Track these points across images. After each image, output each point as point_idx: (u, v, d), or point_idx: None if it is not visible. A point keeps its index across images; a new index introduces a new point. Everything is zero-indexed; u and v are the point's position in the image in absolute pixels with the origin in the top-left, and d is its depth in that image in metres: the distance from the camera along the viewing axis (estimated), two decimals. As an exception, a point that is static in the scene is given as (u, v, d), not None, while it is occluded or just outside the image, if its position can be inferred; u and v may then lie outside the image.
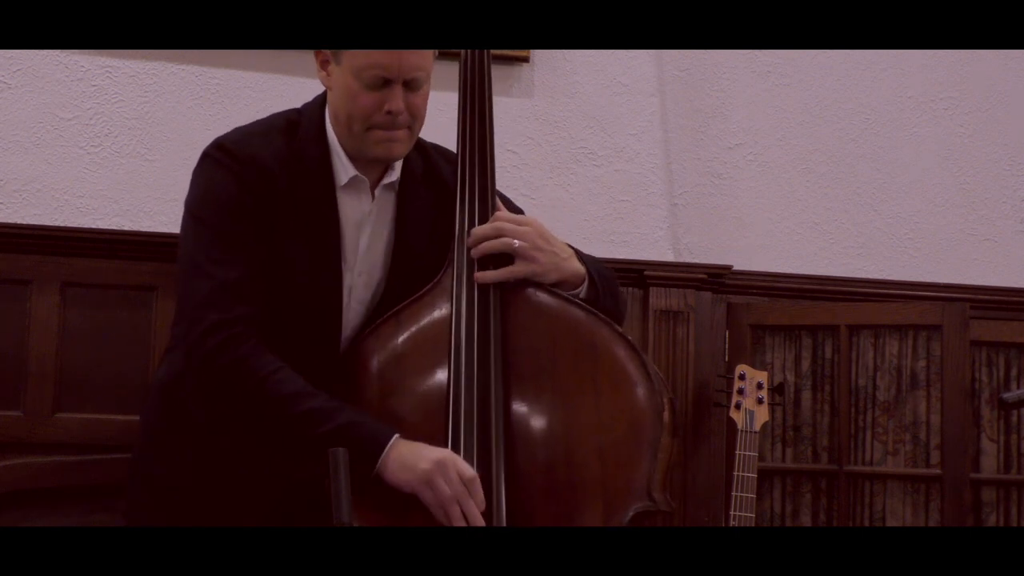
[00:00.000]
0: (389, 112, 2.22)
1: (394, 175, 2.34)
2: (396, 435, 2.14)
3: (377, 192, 2.33)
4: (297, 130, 2.31)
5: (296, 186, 2.26)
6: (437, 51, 2.27)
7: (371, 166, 2.32)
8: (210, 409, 2.26)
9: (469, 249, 2.30)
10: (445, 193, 2.36)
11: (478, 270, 2.28)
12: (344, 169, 2.30)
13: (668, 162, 3.53)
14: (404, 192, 2.36)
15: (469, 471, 2.13)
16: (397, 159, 2.32)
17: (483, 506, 2.13)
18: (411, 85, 2.23)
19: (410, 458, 2.12)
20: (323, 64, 2.28)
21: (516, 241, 2.27)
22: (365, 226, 2.33)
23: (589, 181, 3.45)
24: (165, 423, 2.36)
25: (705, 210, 3.59)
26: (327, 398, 2.17)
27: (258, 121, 2.37)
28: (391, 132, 2.24)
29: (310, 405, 2.15)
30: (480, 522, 2.12)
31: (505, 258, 2.29)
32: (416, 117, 2.27)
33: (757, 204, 3.62)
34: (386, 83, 2.21)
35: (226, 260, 2.21)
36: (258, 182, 2.24)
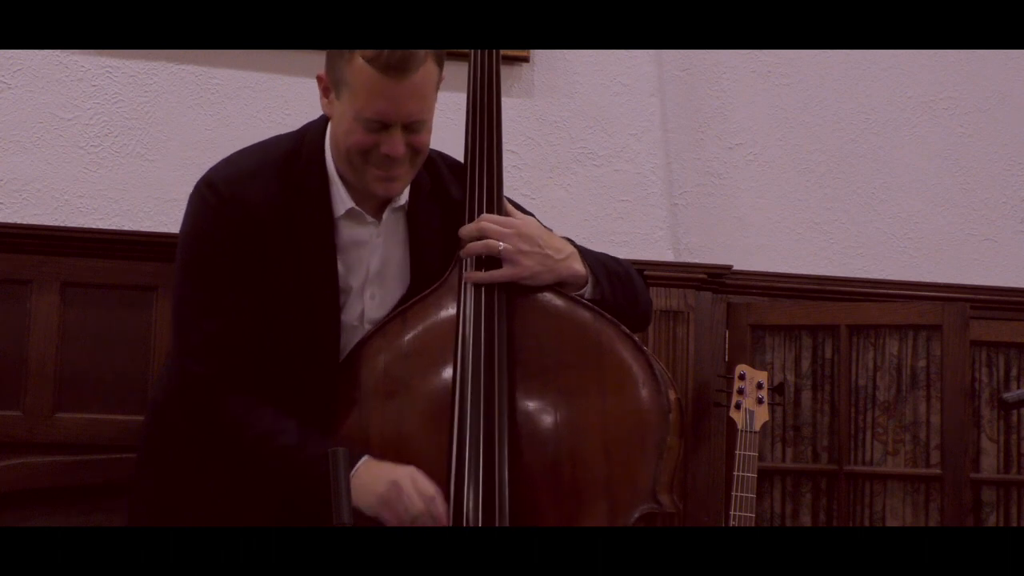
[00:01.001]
0: (387, 156, 2.19)
1: (402, 199, 2.32)
2: (364, 458, 2.16)
3: (386, 215, 2.31)
4: (296, 160, 2.28)
5: (291, 219, 2.24)
6: (439, 82, 2.23)
7: (372, 197, 2.30)
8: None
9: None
10: (453, 208, 2.34)
11: (472, 269, 2.27)
12: (341, 201, 2.27)
13: (668, 162, 3.53)
14: (414, 211, 2.34)
15: (428, 489, 2.14)
16: (396, 195, 2.29)
17: (446, 522, 2.14)
18: (412, 128, 2.20)
19: (369, 481, 2.13)
20: (324, 92, 2.24)
21: (501, 244, 2.26)
22: (375, 249, 2.31)
23: (589, 181, 3.45)
24: (168, 432, 2.37)
25: (705, 210, 3.59)
26: (292, 434, 2.19)
27: (256, 150, 2.32)
28: (390, 172, 2.22)
29: (280, 443, 2.18)
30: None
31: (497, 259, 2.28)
32: (419, 153, 2.24)
33: (757, 204, 3.62)
34: (384, 126, 2.18)
35: (210, 309, 2.23)
36: (244, 224, 2.22)
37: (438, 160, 2.39)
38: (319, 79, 2.24)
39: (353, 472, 2.12)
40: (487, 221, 2.28)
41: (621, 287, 2.37)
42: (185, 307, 2.27)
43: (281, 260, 2.24)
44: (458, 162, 2.38)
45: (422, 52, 2.15)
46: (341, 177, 2.27)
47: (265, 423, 2.20)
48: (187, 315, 2.26)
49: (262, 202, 2.23)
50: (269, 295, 2.24)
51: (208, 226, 2.24)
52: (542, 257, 2.27)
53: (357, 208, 2.28)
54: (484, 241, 2.26)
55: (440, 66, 2.21)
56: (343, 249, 2.29)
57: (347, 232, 2.29)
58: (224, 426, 2.22)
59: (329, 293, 2.27)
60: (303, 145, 2.29)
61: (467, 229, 2.28)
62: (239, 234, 2.22)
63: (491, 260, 2.27)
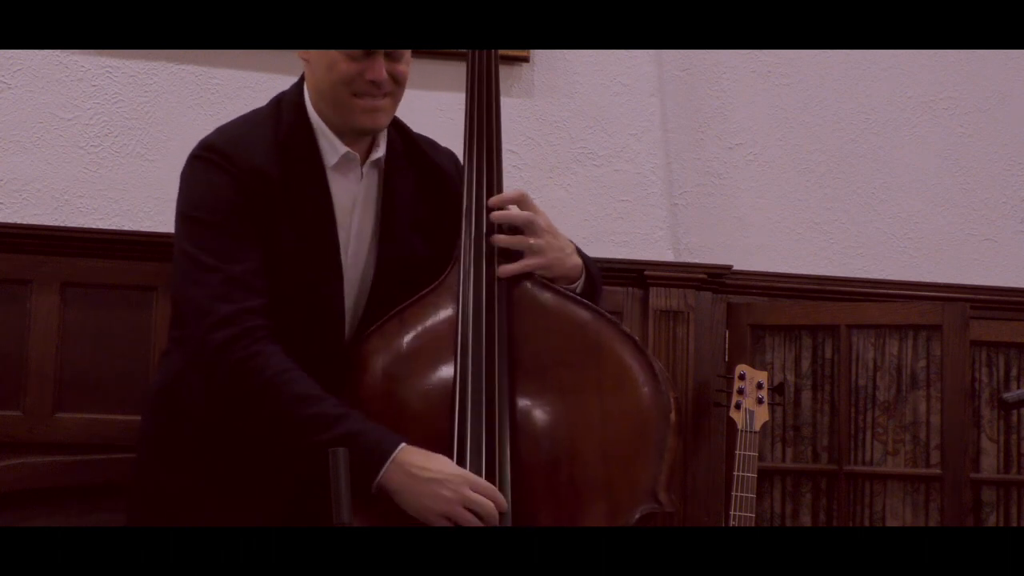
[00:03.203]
0: (372, 81, 2.22)
1: (380, 151, 2.34)
2: (402, 444, 2.12)
3: (364, 170, 2.33)
4: (280, 119, 2.30)
5: (287, 177, 2.26)
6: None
7: (359, 141, 2.32)
8: (211, 410, 2.24)
9: (485, 233, 2.29)
10: (430, 176, 2.37)
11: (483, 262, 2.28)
12: (332, 148, 2.30)
13: (668, 162, 3.53)
14: (389, 169, 2.36)
15: (490, 488, 2.11)
16: (382, 128, 2.32)
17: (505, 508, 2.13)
18: (393, 56, 2.24)
19: (428, 498, 2.09)
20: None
21: (531, 239, 2.28)
22: (355, 208, 2.33)
23: (589, 181, 3.45)
24: (164, 428, 2.35)
25: (705, 210, 3.59)
26: (335, 403, 2.14)
27: (239, 120, 2.36)
28: (374, 101, 2.25)
29: (315, 410, 2.12)
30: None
31: (515, 252, 2.30)
32: (399, 84, 2.27)
33: (757, 204, 3.62)
34: (367, 53, 2.21)
35: (232, 254, 2.20)
36: (254, 183, 2.23)
37: (409, 129, 2.43)
38: None
39: (390, 460, 2.08)
40: (524, 205, 2.29)
41: (598, 286, 2.41)
42: (204, 257, 2.19)
43: (284, 214, 2.24)
44: (435, 142, 2.43)
45: None
46: (327, 124, 2.29)
47: (305, 385, 2.14)
48: (208, 264, 2.18)
49: (262, 158, 2.25)
50: (275, 249, 2.24)
51: (217, 181, 2.24)
52: (558, 250, 2.31)
53: (352, 152, 2.30)
54: (518, 237, 2.28)
55: None
56: (336, 202, 2.31)
57: (336, 184, 2.31)
58: (262, 376, 2.13)
59: (330, 247, 2.28)
60: (283, 108, 2.32)
61: (498, 216, 2.28)
62: (250, 194, 2.22)
63: (508, 252, 2.29)
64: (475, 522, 2.08)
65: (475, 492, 2.09)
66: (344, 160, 2.30)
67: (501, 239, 2.29)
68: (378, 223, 2.35)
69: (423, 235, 2.34)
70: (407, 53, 2.26)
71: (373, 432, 2.12)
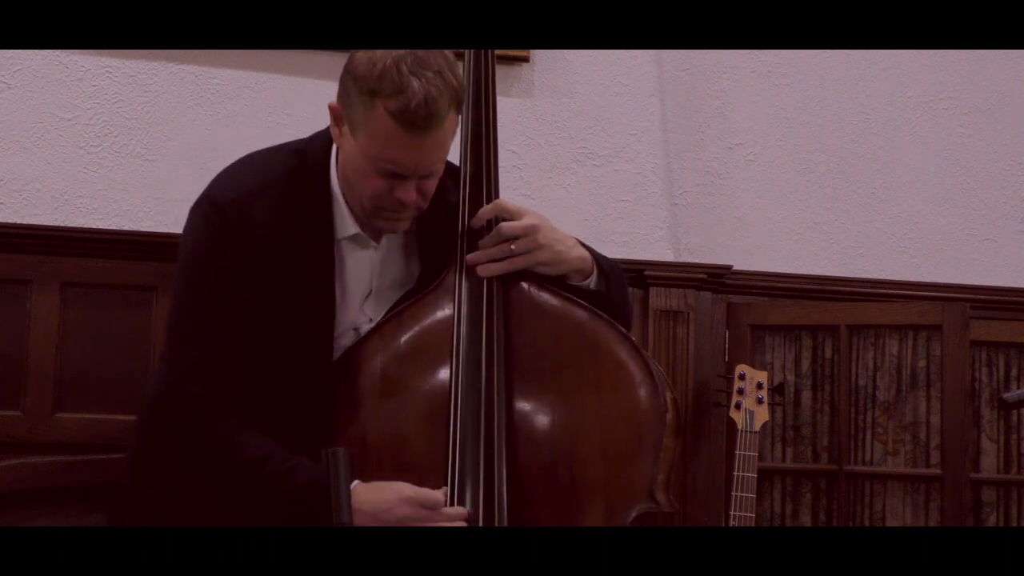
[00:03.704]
0: (399, 200, 2.17)
1: (404, 224, 2.28)
2: (355, 483, 2.10)
3: (384, 238, 2.30)
4: (300, 178, 2.24)
5: (292, 240, 2.22)
6: (456, 128, 2.18)
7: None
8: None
9: (471, 244, 2.28)
10: (453, 216, 2.32)
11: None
12: (344, 224, 2.25)
13: (668, 162, 3.53)
14: (423, 223, 2.31)
15: (430, 497, 2.11)
16: (402, 229, 2.28)
17: (464, 513, 2.13)
18: (426, 176, 2.18)
19: (370, 521, 2.09)
20: (336, 122, 2.19)
21: (513, 244, 2.25)
22: (374, 268, 2.30)
23: (589, 181, 3.45)
24: (155, 438, 2.34)
25: (705, 210, 3.59)
26: (283, 459, 2.15)
27: (259, 165, 2.28)
28: (398, 214, 2.20)
29: (269, 469, 2.15)
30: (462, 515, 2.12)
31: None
32: (426, 199, 2.21)
33: (757, 204, 3.62)
34: (401, 176, 2.15)
35: (209, 328, 2.19)
36: (245, 245, 2.19)
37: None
38: (331, 108, 2.19)
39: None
40: (501, 206, 2.27)
41: (618, 282, 2.37)
42: (181, 324, 2.24)
43: (280, 282, 2.21)
44: (453, 165, 2.35)
45: (445, 104, 2.10)
46: (345, 199, 2.25)
47: (254, 447, 2.17)
48: (183, 333, 2.23)
49: (264, 222, 2.20)
50: (266, 316, 2.21)
51: (209, 245, 2.21)
52: (558, 244, 2.28)
53: (362, 233, 2.26)
54: (496, 248, 2.25)
55: (459, 111, 2.17)
56: (343, 270, 2.28)
57: (348, 252, 2.28)
58: (213, 448, 2.18)
59: (325, 316, 2.25)
60: (307, 162, 2.26)
61: (479, 219, 2.27)
62: (240, 255, 2.19)
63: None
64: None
65: (412, 507, 2.10)
66: (355, 237, 2.27)
67: (485, 251, 2.26)
68: (409, 273, 2.33)
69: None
70: (441, 167, 2.20)
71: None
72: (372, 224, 2.25)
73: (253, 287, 2.20)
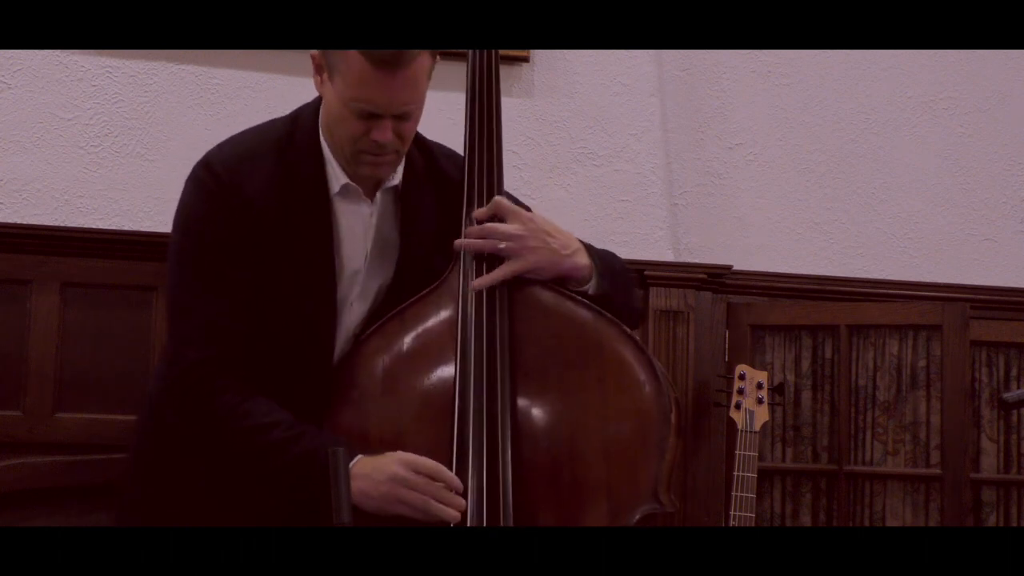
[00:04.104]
0: (376, 141, 2.19)
1: (395, 179, 2.31)
2: (356, 459, 2.10)
3: (378, 195, 2.31)
4: (291, 141, 2.27)
5: (288, 201, 2.23)
6: (431, 70, 2.21)
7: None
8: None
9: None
10: (449, 190, 2.33)
11: (473, 271, 2.26)
12: (336, 178, 2.27)
13: (668, 162, 3.53)
14: (407, 193, 2.33)
15: (426, 465, 2.10)
16: (385, 177, 2.29)
17: (459, 486, 2.12)
18: (401, 116, 2.19)
19: (368, 487, 2.08)
20: (317, 70, 2.24)
21: (501, 243, 2.25)
22: (368, 229, 2.31)
23: (589, 181, 3.45)
24: (157, 434, 2.35)
25: (705, 210, 3.59)
26: (287, 427, 2.15)
27: (253, 133, 2.32)
28: (378, 157, 2.22)
29: (275, 436, 2.15)
30: (461, 504, 2.11)
31: (499, 258, 2.28)
32: (405, 141, 2.23)
33: (757, 204, 3.62)
34: (375, 115, 2.17)
35: (207, 295, 2.20)
36: (242, 208, 2.20)
37: (434, 146, 2.40)
38: (312, 57, 2.23)
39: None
40: (498, 207, 2.27)
41: (622, 283, 2.37)
42: (181, 292, 2.24)
43: (278, 243, 2.22)
44: (455, 152, 2.38)
45: None
46: (334, 154, 2.27)
47: (259, 415, 2.17)
48: (183, 300, 2.23)
49: (259, 185, 2.22)
50: (266, 279, 2.22)
51: (205, 210, 2.23)
52: (548, 252, 2.26)
53: (352, 184, 2.27)
54: (484, 240, 2.26)
55: (432, 57, 2.20)
56: (340, 229, 2.28)
57: (343, 211, 2.28)
58: (217, 416, 2.18)
59: (326, 276, 2.26)
60: (297, 126, 2.29)
61: (473, 230, 2.27)
62: (237, 219, 2.21)
63: (494, 258, 2.26)
64: (421, 501, 2.08)
65: (405, 469, 2.09)
66: (345, 189, 2.28)
67: (472, 244, 2.26)
68: (397, 243, 2.33)
69: (443, 252, 2.32)
70: (418, 111, 2.22)
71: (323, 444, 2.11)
72: (356, 172, 2.26)
73: (251, 249, 2.21)
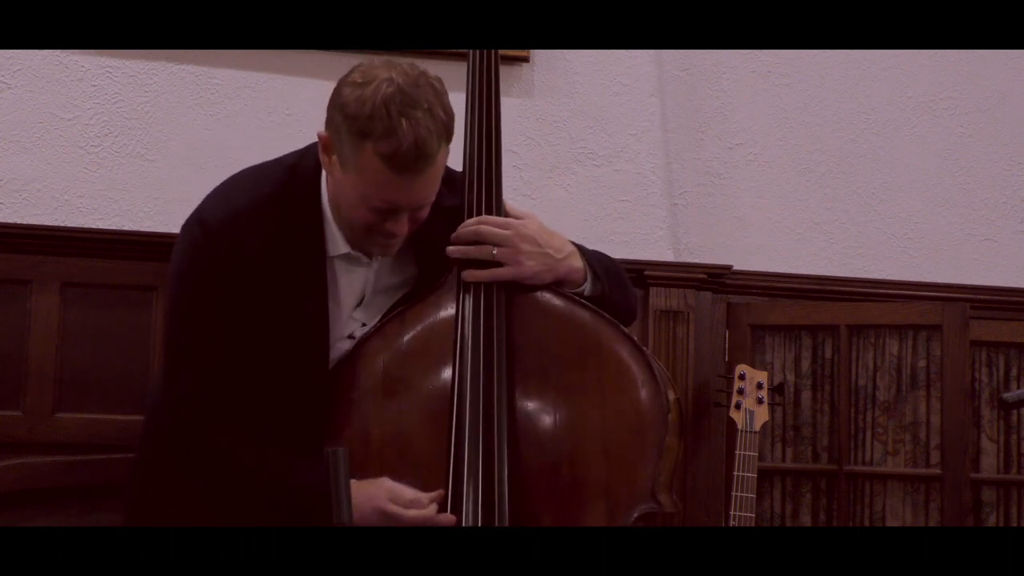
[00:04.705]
0: (392, 233, 2.16)
1: None
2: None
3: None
4: (290, 195, 2.22)
5: (283, 259, 2.20)
6: (447, 156, 2.16)
7: None
8: None
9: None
10: (449, 216, 2.29)
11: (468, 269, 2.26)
12: (335, 243, 2.24)
13: (668, 162, 3.53)
14: (412, 239, 2.28)
15: (406, 495, 2.13)
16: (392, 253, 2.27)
17: (443, 511, 2.14)
18: (419, 208, 2.17)
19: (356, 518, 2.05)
20: (325, 150, 2.16)
21: (494, 249, 2.24)
22: (367, 279, 2.30)
23: (589, 181, 3.45)
24: (156, 452, 2.36)
25: (705, 210, 3.59)
26: (279, 463, 2.18)
27: (249, 183, 2.26)
28: (390, 240, 2.19)
29: (264, 476, 2.18)
30: (452, 520, 2.13)
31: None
32: (419, 223, 2.20)
33: (757, 204, 3.62)
34: (392, 209, 2.14)
35: (198, 353, 2.21)
36: (235, 265, 2.18)
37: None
38: (320, 136, 2.16)
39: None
40: (485, 224, 2.26)
41: (617, 283, 2.37)
42: (173, 347, 2.26)
43: (272, 300, 2.20)
44: (452, 172, 2.32)
45: (435, 142, 2.08)
46: (338, 223, 2.23)
47: (251, 458, 2.20)
48: (175, 356, 2.25)
49: (255, 242, 2.19)
50: (259, 335, 2.21)
51: (197, 266, 2.21)
52: (542, 257, 2.26)
53: (353, 252, 2.25)
54: (480, 247, 2.25)
55: (450, 140, 2.15)
56: (336, 286, 2.27)
57: (342, 271, 2.27)
58: (211, 468, 2.22)
59: (319, 331, 2.24)
60: (297, 179, 2.24)
61: (463, 232, 2.26)
62: (229, 276, 2.19)
63: (488, 261, 2.26)
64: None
65: (394, 505, 2.12)
66: (348, 256, 2.26)
67: (464, 250, 2.25)
68: (406, 281, 2.32)
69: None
70: (433, 197, 2.17)
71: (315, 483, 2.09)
72: (363, 247, 2.24)
73: (244, 307, 2.19)
